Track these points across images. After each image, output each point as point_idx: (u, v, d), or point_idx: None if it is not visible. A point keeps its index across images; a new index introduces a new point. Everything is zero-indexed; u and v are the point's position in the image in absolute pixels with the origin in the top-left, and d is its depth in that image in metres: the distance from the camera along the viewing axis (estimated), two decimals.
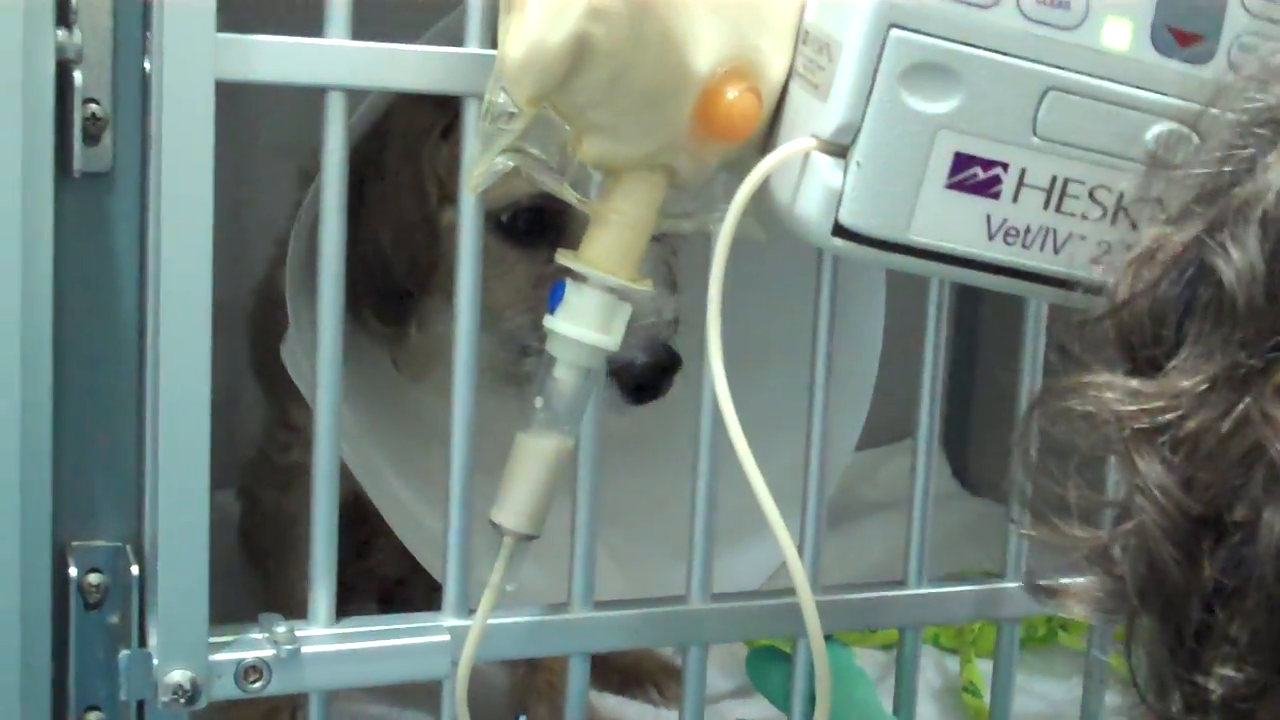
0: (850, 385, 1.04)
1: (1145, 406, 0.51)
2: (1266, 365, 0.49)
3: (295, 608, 1.09)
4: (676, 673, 1.19)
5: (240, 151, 1.35)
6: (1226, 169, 0.53)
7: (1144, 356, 0.53)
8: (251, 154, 1.36)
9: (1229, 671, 0.48)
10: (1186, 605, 0.50)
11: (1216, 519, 0.49)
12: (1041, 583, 0.61)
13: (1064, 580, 0.59)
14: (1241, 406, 0.48)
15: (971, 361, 1.70)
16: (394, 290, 1.00)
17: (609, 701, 1.19)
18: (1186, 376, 0.50)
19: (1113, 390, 0.53)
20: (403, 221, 0.97)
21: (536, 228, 0.96)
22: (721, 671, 1.14)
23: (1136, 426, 0.51)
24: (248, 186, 1.37)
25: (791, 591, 0.74)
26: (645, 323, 0.93)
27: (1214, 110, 0.57)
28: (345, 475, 1.00)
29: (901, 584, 0.87)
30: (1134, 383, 0.52)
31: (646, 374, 0.94)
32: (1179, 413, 0.50)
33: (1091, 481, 0.57)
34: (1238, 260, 0.50)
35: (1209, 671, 0.49)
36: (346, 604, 1.17)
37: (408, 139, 0.96)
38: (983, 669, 1.24)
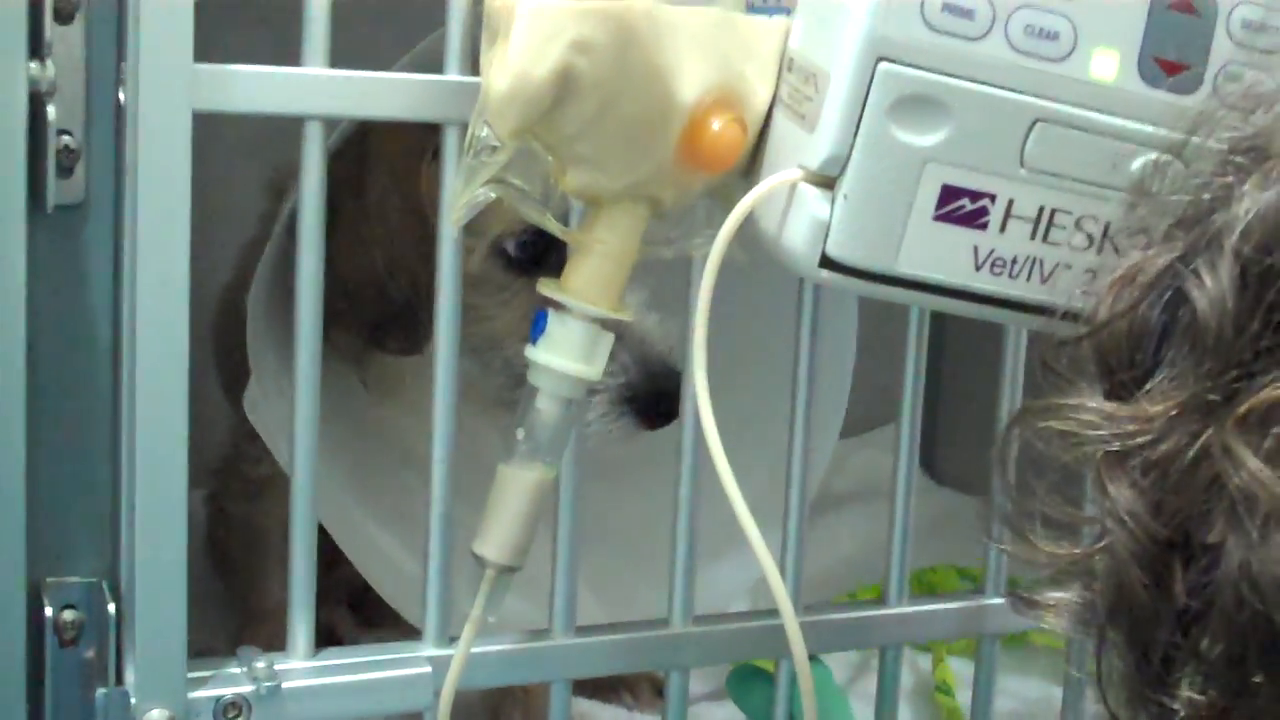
0: (824, 397, 1.04)
1: (1118, 430, 0.51)
2: (1229, 397, 0.49)
3: (267, 618, 1.08)
4: (650, 677, 1.19)
5: (204, 149, 1.33)
6: (1205, 196, 0.53)
7: (1120, 379, 0.53)
8: (216, 151, 1.34)
9: (1193, 694, 0.49)
10: (1153, 628, 0.50)
11: (1185, 542, 0.49)
12: (1023, 595, 0.62)
13: (1045, 593, 0.59)
14: (1205, 436, 0.49)
15: (940, 352, 1.70)
16: (396, 315, 0.98)
17: (583, 706, 1.19)
18: (1159, 401, 0.51)
19: (1088, 412, 0.53)
20: (397, 245, 0.95)
21: (540, 255, 0.95)
22: (697, 675, 1.14)
23: (1109, 449, 0.52)
24: (212, 185, 1.35)
25: (773, 613, 0.74)
26: (656, 349, 0.92)
27: (1196, 139, 0.58)
28: None
29: (883, 603, 0.86)
30: (1109, 406, 0.53)
31: (662, 401, 0.92)
32: (1150, 437, 0.50)
33: (1072, 497, 0.58)
34: (1210, 288, 0.50)
35: (1173, 693, 0.50)
36: (317, 610, 1.17)
37: (395, 161, 0.94)
38: (955, 667, 1.25)
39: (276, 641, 0.75)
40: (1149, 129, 0.68)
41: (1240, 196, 0.51)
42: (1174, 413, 0.50)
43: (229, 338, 1.11)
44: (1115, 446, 0.51)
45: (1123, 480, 0.51)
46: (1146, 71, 0.69)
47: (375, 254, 0.95)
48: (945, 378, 1.72)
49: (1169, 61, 0.69)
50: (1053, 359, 0.59)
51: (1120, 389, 0.53)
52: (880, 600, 0.87)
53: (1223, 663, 0.48)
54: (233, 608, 1.19)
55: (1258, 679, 0.47)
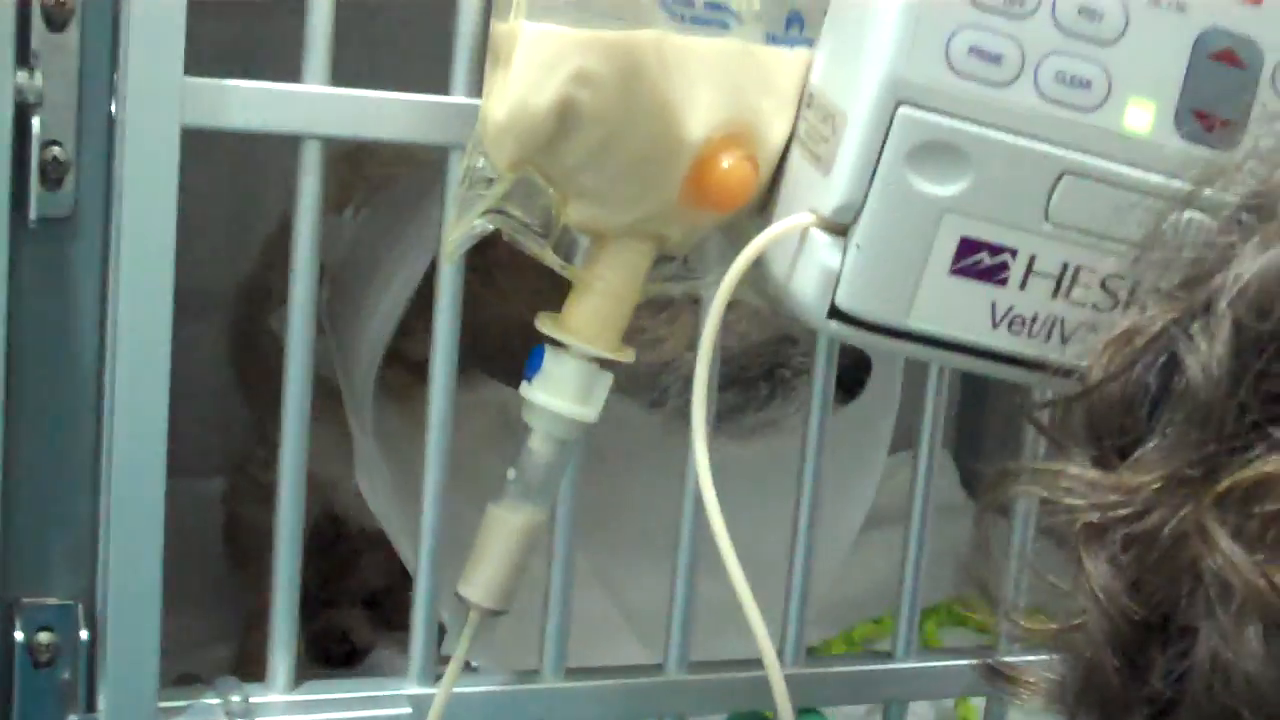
0: (872, 411, 1.00)
1: (1098, 500, 0.48)
2: (1212, 472, 0.45)
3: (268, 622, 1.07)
4: None
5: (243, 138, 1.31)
6: (1208, 255, 0.49)
7: (1110, 445, 0.50)
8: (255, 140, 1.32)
9: None
10: (1125, 714, 0.46)
11: (1163, 625, 0.46)
12: (995, 665, 0.58)
13: (1018, 667, 0.56)
14: (1184, 513, 0.45)
15: None
16: None
17: None
18: (1144, 472, 0.47)
19: (1069, 479, 0.49)
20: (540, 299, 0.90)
21: None
22: None
23: (1087, 521, 0.48)
24: (249, 173, 1.34)
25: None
26: None
27: (1209, 192, 0.54)
28: (317, 494, 0.98)
29: (889, 656, 0.83)
30: (1092, 474, 0.49)
31: (856, 371, 0.96)
32: (1132, 510, 0.47)
33: (1057, 565, 0.54)
34: (1203, 354, 0.46)
35: None
36: (331, 609, 1.16)
37: None
38: (977, 703, 1.21)
39: None
40: (1184, 186, 0.65)
41: (1239, 257, 0.47)
42: (1158, 485, 0.46)
43: (247, 335, 1.10)
44: (1094, 518, 0.48)
45: (1100, 555, 0.47)
46: (1184, 125, 0.65)
47: (518, 305, 0.91)
48: (993, 390, 1.68)
49: (1208, 115, 0.65)
50: (1042, 420, 0.56)
51: (1108, 457, 0.50)
52: (886, 653, 0.84)
53: None
54: (245, 614, 1.18)
55: None
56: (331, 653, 1.21)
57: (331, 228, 1.00)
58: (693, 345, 0.90)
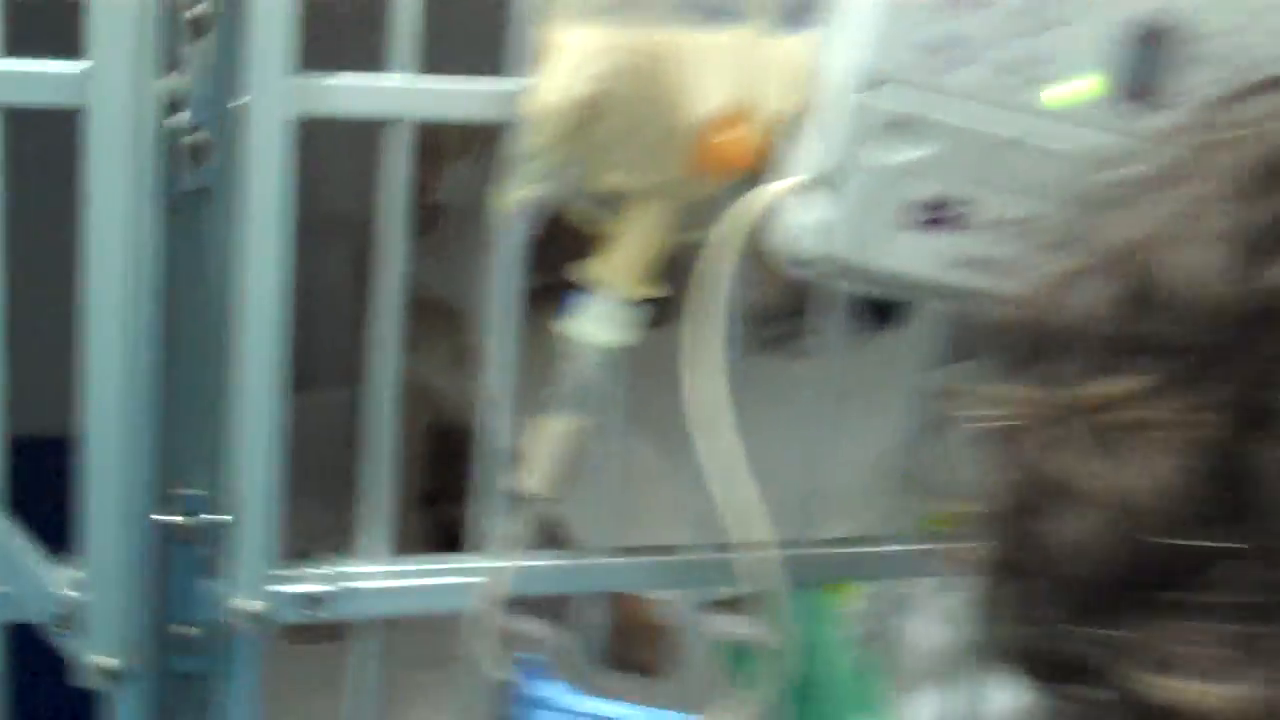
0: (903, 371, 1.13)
1: (1003, 412, 0.58)
2: (1076, 391, 0.56)
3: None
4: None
5: None
6: (1113, 213, 0.59)
7: (1028, 368, 0.59)
8: None
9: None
10: (1009, 580, 0.58)
11: (1031, 510, 0.56)
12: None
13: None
14: (1054, 422, 0.56)
15: None
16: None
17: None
18: (1039, 389, 0.57)
19: (990, 395, 0.59)
20: None
21: None
22: None
23: (991, 427, 0.59)
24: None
25: (790, 544, 0.89)
26: None
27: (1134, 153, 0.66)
28: (430, 404, 1.14)
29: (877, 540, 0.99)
30: (1005, 390, 0.59)
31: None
32: (1024, 419, 0.57)
33: None
34: (1087, 297, 0.57)
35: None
36: (442, 504, 1.32)
37: None
38: None
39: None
40: (1119, 144, 0.77)
41: (1114, 222, 0.58)
42: (1040, 398, 0.57)
43: (370, 268, 1.27)
44: (996, 425, 0.58)
45: (995, 454, 0.58)
46: (1118, 96, 0.78)
47: None
48: None
49: (1139, 87, 0.78)
50: (982, 344, 0.68)
51: (1026, 377, 0.59)
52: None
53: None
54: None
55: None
56: (442, 540, 1.38)
57: (455, 173, 1.18)
58: (780, 291, 1.06)
